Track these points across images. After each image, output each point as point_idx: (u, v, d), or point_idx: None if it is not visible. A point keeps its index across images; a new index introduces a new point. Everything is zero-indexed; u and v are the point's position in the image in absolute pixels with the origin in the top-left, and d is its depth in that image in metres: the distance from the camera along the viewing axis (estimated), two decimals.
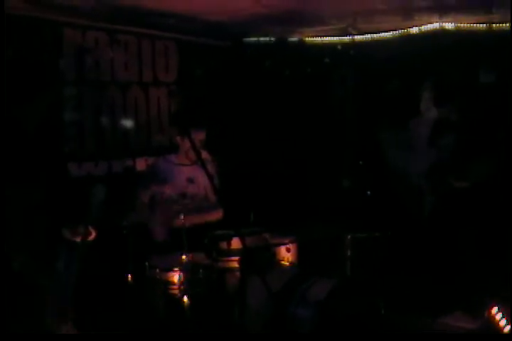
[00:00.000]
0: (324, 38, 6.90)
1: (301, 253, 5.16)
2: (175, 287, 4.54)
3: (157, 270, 4.59)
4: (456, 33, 6.10)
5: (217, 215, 5.20)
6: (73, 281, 3.44)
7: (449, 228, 5.65)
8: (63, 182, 3.73)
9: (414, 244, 5.84)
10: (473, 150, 5.75)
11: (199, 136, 5.02)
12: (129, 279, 4.70)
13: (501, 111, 5.68)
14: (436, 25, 6.16)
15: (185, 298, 4.48)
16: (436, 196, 6.03)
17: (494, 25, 5.92)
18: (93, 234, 3.62)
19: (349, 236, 4.92)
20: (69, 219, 3.60)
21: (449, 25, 6.11)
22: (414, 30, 6.28)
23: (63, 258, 3.43)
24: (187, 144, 4.99)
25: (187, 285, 4.48)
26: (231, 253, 4.73)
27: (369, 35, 6.59)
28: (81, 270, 3.50)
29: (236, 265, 4.64)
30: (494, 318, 4.19)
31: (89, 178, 5.60)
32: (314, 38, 6.96)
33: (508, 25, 5.77)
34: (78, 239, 3.56)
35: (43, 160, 3.44)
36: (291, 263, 5.04)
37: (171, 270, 4.56)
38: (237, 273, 4.47)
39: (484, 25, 5.98)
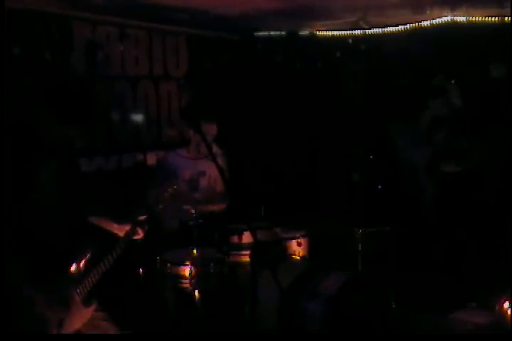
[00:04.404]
0: (335, 32, 6.88)
1: (311, 248, 5.16)
2: (186, 281, 4.52)
3: (168, 264, 4.59)
4: (468, 27, 6.07)
5: (221, 206, 5.20)
6: (96, 279, 3.45)
7: (451, 216, 5.65)
8: (76, 177, 3.70)
9: (425, 238, 5.83)
10: (465, 138, 5.75)
11: (210, 130, 5.03)
12: (140, 273, 4.71)
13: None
14: (447, 19, 6.13)
15: (196, 292, 4.48)
16: (434, 185, 6.05)
17: (506, 18, 5.89)
18: (141, 234, 3.64)
19: (360, 231, 4.90)
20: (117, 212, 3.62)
21: (460, 19, 6.08)
22: (426, 23, 6.25)
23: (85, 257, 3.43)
24: (198, 138, 4.99)
25: (198, 280, 4.48)
26: (242, 247, 4.74)
27: (380, 29, 6.56)
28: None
29: (247, 259, 4.64)
30: (506, 313, 4.18)
31: (99, 173, 5.61)
32: (325, 32, 6.94)
33: None
34: (121, 234, 3.58)
35: (55, 156, 3.43)
36: (302, 257, 5.04)
37: (182, 264, 4.56)
38: (248, 267, 4.47)
39: (496, 18, 5.95)
